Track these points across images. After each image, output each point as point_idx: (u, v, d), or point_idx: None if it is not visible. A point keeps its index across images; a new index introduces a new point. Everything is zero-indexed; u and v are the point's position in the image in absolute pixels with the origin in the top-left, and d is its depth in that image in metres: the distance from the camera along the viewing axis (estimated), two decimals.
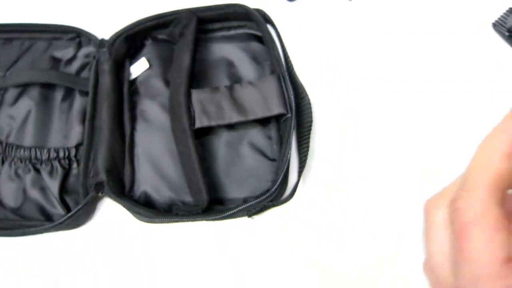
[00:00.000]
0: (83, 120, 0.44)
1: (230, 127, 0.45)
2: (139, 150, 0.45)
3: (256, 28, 0.47)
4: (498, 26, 0.50)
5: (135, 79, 0.47)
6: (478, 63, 0.49)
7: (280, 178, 0.40)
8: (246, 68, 0.47)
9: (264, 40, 0.46)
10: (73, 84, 0.45)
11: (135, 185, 0.44)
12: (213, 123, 0.42)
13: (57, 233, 0.43)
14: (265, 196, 0.39)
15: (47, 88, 0.45)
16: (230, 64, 0.47)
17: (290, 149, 0.41)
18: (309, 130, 0.42)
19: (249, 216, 0.42)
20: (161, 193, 0.44)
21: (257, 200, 0.39)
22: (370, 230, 0.43)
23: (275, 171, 0.43)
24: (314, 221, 0.44)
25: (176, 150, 0.43)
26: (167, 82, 0.46)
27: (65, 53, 0.47)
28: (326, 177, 0.45)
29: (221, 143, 0.45)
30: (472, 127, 0.46)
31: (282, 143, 0.42)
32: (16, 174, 0.43)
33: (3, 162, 0.43)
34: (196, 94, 0.42)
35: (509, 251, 0.15)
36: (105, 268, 0.42)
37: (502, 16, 0.50)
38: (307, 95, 0.43)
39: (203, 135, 0.44)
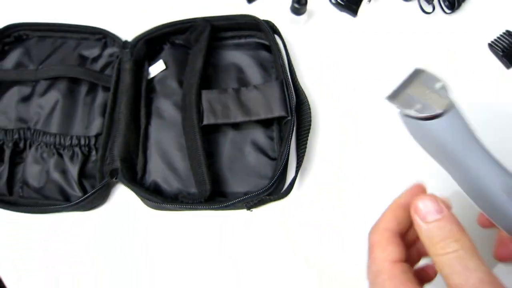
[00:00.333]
0: (103, 113, 0.49)
1: (236, 127, 0.49)
2: (152, 143, 0.49)
3: (265, 38, 0.51)
4: (494, 46, 0.53)
5: (153, 78, 0.51)
6: (472, 76, 0.52)
7: (278, 173, 0.43)
8: (254, 74, 0.51)
9: (271, 49, 0.50)
10: (97, 80, 0.50)
11: (146, 174, 0.48)
12: (219, 121, 0.46)
13: (73, 214, 0.48)
14: (263, 189, 0.43)
15: (74, 82, 0.50)
16: (239, 70, 0.51)
17: (289, 148, 0.44)
18: (308, 132, 0.46)
19: (248, 209, 0.45)
20: (169, 184, 0.47)
21: (255, 193, 0.43)
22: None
23: (274, 169, 0.47)
24: (314, 221, 0.46)
25: (185, 144, 0.47)
26: (181, 83, 0.50)
27: (92, 52, 0.52)
28: (326, 177, 0.48)
29: (226, 141, 0.49)
30: None
31: (282, 142, 0.46)
32: (41, 157, 0.48)
33: (30, 146, 0.48)
34: (205, 94, 0.47)
35: (395, 256, 0.26)
36: (113, 247, 0.46)
37: (498, 37, 0.53)
38: (307, 100, 0.46)
39: (210, 133, 0.48)
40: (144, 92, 0.50)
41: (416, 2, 0.54)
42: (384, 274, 0.26)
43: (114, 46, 0.51)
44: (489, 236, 0.35)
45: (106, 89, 0.50)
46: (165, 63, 0.51)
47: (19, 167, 0.48)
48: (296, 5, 0.50)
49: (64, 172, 0.47)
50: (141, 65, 0.50)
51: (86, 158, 0.48)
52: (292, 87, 0.47)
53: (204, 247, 0.46)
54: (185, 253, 0.46)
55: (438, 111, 0.27)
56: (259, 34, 0.51)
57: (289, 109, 0.46)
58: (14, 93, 0.50)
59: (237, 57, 0.51)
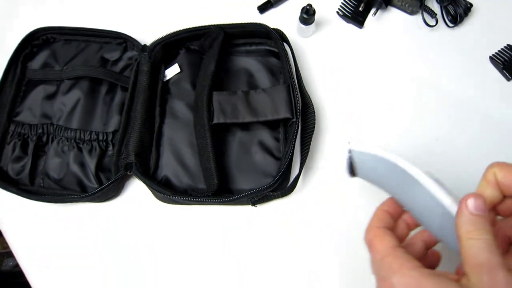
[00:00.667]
0: (121, 111, 0.52)
1: (244, 128, 0.52)
2: (165, 140, 0.52)
3: (274, 45, 0.54)
4: (495, 59, 0.55)
5: (168, 80, 0.54)
6: (473, 87, 0.54)
7: (282, 171, 0.46)
8: (263, 78, 0.54)
9: (279, 55, 0.53)
10: (116, 81, 0.53)
11: (159, 169, 0.51)
12: (228, 120, 0.49)
13: (89, 205, 0.51)
14: (267, 185, 0.45)
15: (95, 82, 0.54)
16: (249, 74, 0.54)
17: (293, 148, 0.47)
18: (312, 133, 0.48)
19: (253, 204, 0.48)
20: (180, 179, 0.50)
21: (259, 189, 0.45)
22: None
23: (279, 167, 0.49)
24: (316, 220, 0.48)
25: (196, 142, 0.50)
26: (194, 85, 0.54)
27: (112, 55, 0.55)
28: (328, 177, 0.50)
29: (235, 141, 0.51)
30: (467, 136, 0.51)
31: (287, 142, 0.49)
32: (62, 151, 0.51)
33: (52, 140, 0.52)
34: (216, 96, 0.50)
35: (393, 243, 0.30)
36: (124, 236, 0.49)
37: (499, 50, 0.55)
38: (312, 104, 0.49)
39: (220, 133, 0.51)
40: (159, 93, 0.53)
41: (420, 16, 0.56)
42: (388, 256, 0.30)
43: (133, 50, 0.55)
44: None
45: (124, 89, 0.53)
46: (180, 66, 0.54)
47: (41, 160, 0.52)
48: (304, 16, 0.53)
49: (82, 165, 0.50)
50: (157, 68, 0.54)
51: (103, 153, 0.51)
52: (298, 91, 0.50)
53: (209, 241, 0.49)
54: (190, 246, 0.48)
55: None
56: (269, 41, 0.54)
57: (294, 112, 0.49)
58: (40, 91, 0.54)
59: (247, 62, 0.55)
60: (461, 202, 0.28)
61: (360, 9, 0.57)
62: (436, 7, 0.57)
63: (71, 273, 0.48)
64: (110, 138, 0.52)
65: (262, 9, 0.59)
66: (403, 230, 0.35)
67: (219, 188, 0.46)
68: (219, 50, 0.52)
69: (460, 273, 0.28)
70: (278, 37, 0.52)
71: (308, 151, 0.48)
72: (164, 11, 0.60)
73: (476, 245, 0.27)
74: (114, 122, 0.52)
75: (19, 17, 0.61)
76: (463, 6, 0.55)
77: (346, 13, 0.58)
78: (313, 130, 0.48)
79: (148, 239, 0.49)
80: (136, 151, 0.49)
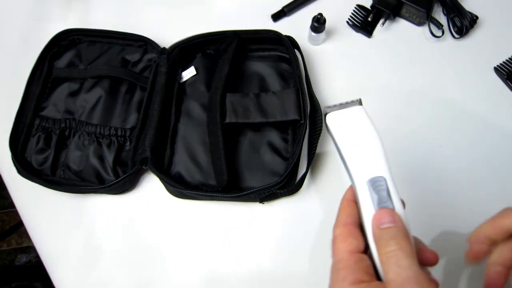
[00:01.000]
0: (139, 109, 0.56)
1: (255, 129, 0.54)
2: (179, 138, 0.55)
3: (285, 52, 0.57)
4: (500, 69, 0.57)
5: (184, 82, 0.57)
6: (477, 96, 0.56)
7: (289, 169, 0.48)
8: (274, 82, 0.56)
9: (290, 61, 0.55)
10: (136, 80, 0.57)
11: (172, 165, 0.54)
12: (240, 120, 0.51)
13: (105, 197, 0.54)
14: (275, 182, 0.47)
15: (116, 81, 0.57)
16: (261, 78, 0.57)
17: (301, 148, 0.49)
18: (319, 135, 0.50)
19: (261, 201, 0.50)
20: (192, 175, 0.53)
21: (267, 185, 0.48)
22: None
23: (286, 167, 0.52)
24: (321, 219, 0.50)
25: (208, 140, 0.53)
26: (208, 88, 0.56)
27: (133, 56, 0.59)
28: (334, 178, 0.52)
29: (245, 141, 0.54)
30: (470, 143, 0.53)
31: (295, 143, 0.51)
32: (83, 144, 0.54)
33: (74, 134, 0.55)
34: (229, 97, 0.52)
35: (353, 247, 0.29)
36: (138, 226, 0.52)
37: (504, 61, 0.57)
38: (320, 108, 0.51)
39: (231, 133, 0.54)
40: (175, 93, 0.56)
41: (427, 27, 0.58)
42: (341, 263, 0.29)
43: (153, 52, 0.59)
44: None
45: (143, 88, 0.57)
46: (196, 69, 0.57)
47: (63, 152, 0.55)
48: (315, 24, 0.56)
49: (101, 158, 0.53)
50: (175, 70, 0.57)
51: (121, 147, 0.54)
52: (307, 95, 0.52)
53: (217, 236, 0.51)
54: (198, 240, 0.51)
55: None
56: (281, 48, 0.57)
57: (302, 114, 0.51)
58: (64, 88, 0.58)
59: (260, 67, 0.57)
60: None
61: (369, 19, 0.60)
62: (442, 19, 0.59)
63: (87, 260, 0.51)
64: (128, 134, 0.55)
65: (276, 17, 0.62)
66: None
67: (229, 184, 0.49)
68: (233, 54, 0.55)
69: None
70: (289, 43, 0.55)
71: (315, 152, 0.50)
72: (183, 17, 0.64)
73: (385, 260, 0.28)
74: (132, 119, 0.55)
75: (49, 20, 0.65)
76: (469, 18, 0.57)
77: (356, 22, 0.60)
78: (320, 132, 0.50)
79: (159, 230, 0.52)
80: (152, 146, 0.52)
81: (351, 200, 0.32)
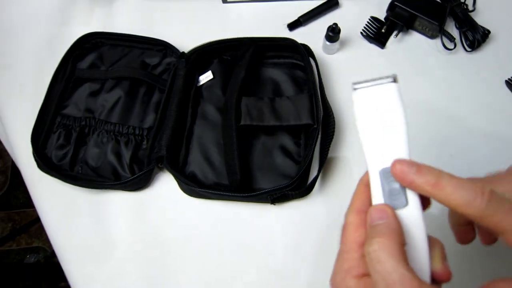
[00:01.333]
0: (157, 110, 0.57)
1: (268, 133, 0.56)
2: (194, 139, 0.56)
3: (300, 59, 0.59)
4: (511, 83, 0.58)
5: (201, 85, 0.59)
6: (488, 109, 0.57)
7: (301, 172, 0.49)
8: (288, 88, 0.58)
9: (305, 68, 0.57)
10: (155, 82, 0.59)
11: (187, 165, 0.55)
12: (254, 123, 0.53)
13: (120, 193, 0.55)
14: (287, 183, 0.49)
15: (135, 83, 0.59)
16: (276, 84, 0.59)
17: (313, 152, 0.50)
18: (331, 140, 0.51)
19: (272, 202, 0.51)
20: (205, 175, 0.54)
21: (279, 186, 0.49)
22: None
23: (298, 169, 0.53)
24: (331, 221, 0.51)
25: (222, 141, 0.54)
26: (224, 92, 0.58)
27: (153, 60, 0.61)
28: (345, 181, 0.53)
29: (258, 144, 0.55)
30: (479, 155, 0.54)
31: (307, 147, 0.52)
32: (101, 141, 0.56)
33: (93, 132, 0.57)
34: (244, 100, 0.54)
35: (362, 239, 0.27)
36: (150, 222, 0.53)
37: None
38: (333, 114, 0.53)
39: (245, 135, 0.55)
40: (192, 96, 0.58)
41: (439, 40, 0.60)
42: (347, 254, 0.27)
43: (172, 56, 0.61)
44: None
45: (161, 90, 0.59)
46: (213, 73, 0.59)
47: (82, 149, 0.57)
48: (330, 34, 0.58)
49: (118, 156, 0.55)
50: (192, 73, 0.59)
51: (138, 146, 0.56)
52: (320, 101, 0.54)
53: (228, 236, 0.52)
54: (210, 238, 0.52)
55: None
56: (296, 56, 0.59)
57: (315, 119, 0.52)
58: (85, 88, 0.60)
59: (275, 73, 0.59)
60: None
61: (383, 30, 0.61)
62: (455, 32, 0.61)
63: (101, 254, 0.52)
64: (145, 133, 0.56)
65: (292, 27, 0.64)
66: None
67: (241, 184, 0.50)
68: (250, 59, 0.57)
69: None
70: (305, 51, 0.56)
71: (327, 156, 0.51)
72: (202, 23, 0.66)
73: (368, 261, 0.25)
74: (150, 119, 0.57)
75: (73, 24, 0.68)
76: (481, 32, 0.59)
77: (369, 33, 0.62)
78: (333, 137, 0.52)
79: (172, 227, 0.53)
80: (168, 146, 0.53)
81: (369, 186, 0.29)
